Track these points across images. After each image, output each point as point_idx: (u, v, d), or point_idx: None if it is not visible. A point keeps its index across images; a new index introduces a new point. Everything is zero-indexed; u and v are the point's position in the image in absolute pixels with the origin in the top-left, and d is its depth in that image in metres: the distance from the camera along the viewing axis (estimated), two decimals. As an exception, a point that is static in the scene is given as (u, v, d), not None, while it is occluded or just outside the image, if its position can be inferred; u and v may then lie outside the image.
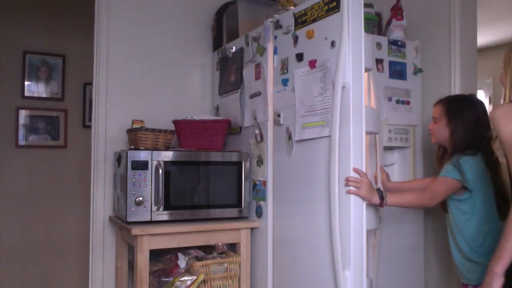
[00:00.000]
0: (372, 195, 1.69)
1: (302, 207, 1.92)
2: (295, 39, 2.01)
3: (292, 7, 2.17)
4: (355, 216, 1.65)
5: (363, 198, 1.68)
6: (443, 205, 1.92)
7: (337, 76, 1.70)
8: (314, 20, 1.89)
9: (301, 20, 1.98)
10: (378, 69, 2.30)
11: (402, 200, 1.82)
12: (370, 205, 1.74)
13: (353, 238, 1.64)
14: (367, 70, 1.82)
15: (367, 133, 1.79)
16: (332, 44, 1.77)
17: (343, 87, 1.69)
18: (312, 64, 1.86)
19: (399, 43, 2.38)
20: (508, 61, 1.56)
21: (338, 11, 1.75)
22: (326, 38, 1.81)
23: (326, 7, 1.82)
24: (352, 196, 1.65)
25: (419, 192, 1.87)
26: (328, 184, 1.73)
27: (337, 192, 1.68)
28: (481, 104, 1.96)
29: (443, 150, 2.00)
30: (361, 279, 1.66)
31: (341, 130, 1.69)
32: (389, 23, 2.45)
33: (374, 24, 2.48)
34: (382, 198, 1.73)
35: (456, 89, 2.31)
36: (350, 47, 1.69)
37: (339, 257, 1.65)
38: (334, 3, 1.77)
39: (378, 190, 1.74)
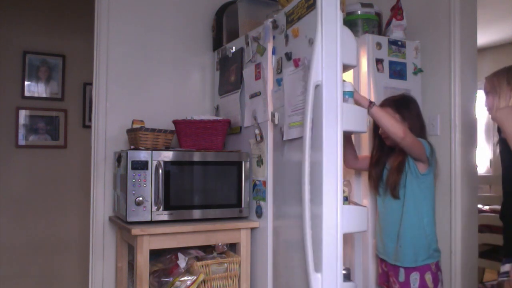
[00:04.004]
0: (359, 94, 1.94)
1: (293, 208, 1.91)
2: (286, 38, 2.00)
3: (291, 7, 2.17)
4: (327, 218, 1.60)
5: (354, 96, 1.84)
6: (396, 192, 2.02)
7: (310, 75, 1.66)
8: (299, 19, 1.88)
9: (290, 19, 1.97)
10: (378, 69, 2.30)
11: (386, 116, 1.92)
12: (355, 207, 1.73)
13: (325, 241, 1.59)
14: (348, 67, 1.77)
15: (349, 132, 1.76)
16: (310, 42, 1.75)
17: (317, 86, 1.65)
18: (296, 63, 1.86)
19: (399, 43, 2.38)
20: (497, 85, 1.87)
21: (315, 8, 1.72)
22: (306, 36, 1.79)
23: (306, 5, 1.80)
24: (324, 198, 1.60)
25: (400, 122, 1.98)
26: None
27: (307, 194, 1.64)
28: (410, 96, 2.21)
29: (380, 146, 2.11)
30: (334, 283, 1.60)
31: (315, 129, 1.64)
32: (389, 23, 2.45)
33: (374, 24, 2.48)
34: (371, 102, 1.91)
35: (456, 89, 2.31)
36: (323, 44, 1.64)
37: (309, 259, 1.60)
38: (312, 0, 1.74)
39: (370, 100, 1.94)
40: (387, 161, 2.09)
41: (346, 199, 1.93)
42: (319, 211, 1.61)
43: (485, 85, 1.97)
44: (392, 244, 2.04)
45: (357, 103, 1.89)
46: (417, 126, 2.08)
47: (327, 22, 1.65)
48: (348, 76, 2.37)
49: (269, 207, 2.17)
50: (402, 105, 2.11)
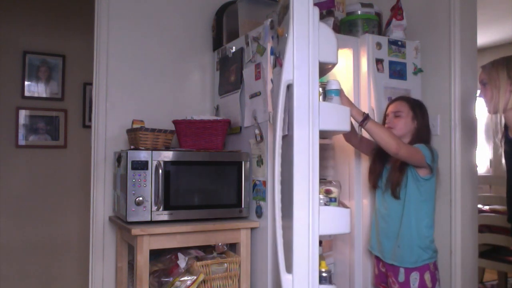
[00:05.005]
0: (353, 108, 1.90)
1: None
2: (278, 38, 1.99)
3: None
4: (298, 219, 1.55)
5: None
6: (396, 192, 2.02)
7: (281, 74, 1.62)
8: (283, 18, 1.87)
9: (279, 19, 1.97)
10: (378, 69, 2.31)
11: (379, 130, 1.92)
12: (333, 209, 1.71)
13: (295, 241, 1.55)
14: (327, 65, 1.71)
15: (328, 131, 1.73)
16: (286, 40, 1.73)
17: (289, 85, 1.60)
18: (279, 62, 1.85)
19: (399, 43, 2.38)
20: (497, 77, 1.84)
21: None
22: (286, 35, 1.78)
23: (286, 3, 1.78)
24: (294, 200, 1.56)
25: (393, 134, 1.97)
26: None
27: (277, 194, 1.62)
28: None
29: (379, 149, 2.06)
30: (306, 284, 1.55)
31: (289, 130, 1.61)
32: (389, 23, 2.45)
33: (374, 24, 2.48)
34: (365, 118, 1.90)
35: (456, 89, 2.31)
36: (294, 41, 1.59)
37: (280, 260, 1.57)
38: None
39: (365, 113, 1.92)
40: (389, 158, 2.09)
41: (334, 200, 1.91)
42: (289, 213, 1.58)
43: (481, 75, 1.93)
44: (390, 244, 2.05)
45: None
46: (424, 130, 2.10)
47: (299, 18, 1.60)
48: (348, 76, 2.38)
49: (269, 207, 2.17)
50: (418, 106, 2.13)
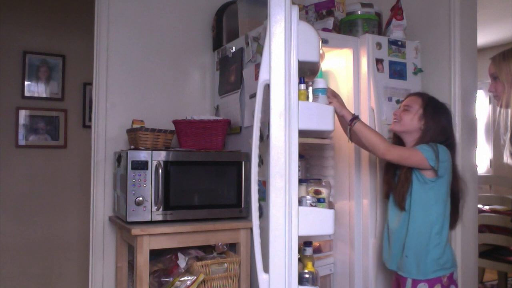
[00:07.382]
0: (343, 108, 1.89)
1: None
2: None
3: (292, 7, 2.16)
4: (273, 219, 1.53)
5: (335, 109, 1.78)
6: (403, 203, 1.91)
7: (260, 74, 1.56)
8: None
9: None
10: (378, 69, 2.31)
11: (368, 132, 1.89)
12: (313, 210, 1.69)
13: (271, 241, 1.52)
14: (308, 64, 1.65)
15: (310, 131, 1.72)
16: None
17: (266, 85, 1.55)
18: None
19: (399, 43, 2.38)
20: (508, 71, 1.75)
21: None
22: None
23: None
24: (271, 200, 1.54)
25: (383, 138, 1.91)
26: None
27: (254, 193, 1.60)
28: (450, 114, 2.01)
29: (397, 140, 2.03)
30: (282, 285, 1.52)
31: (269, 130, 1.55)
32: (389, 23, 2.45)
33: (374, 24, 2.48)
34: (354, 118, 1.88)
35: (456, 89, 2.31)
36: (270, 41, 1.54)
37: (258, 259, 1.54)
38: None
39: (355, 114, 1.90)
40: (399, 167, 1.96)
41: (323, 201, 1.89)
42: (266, 212, 1.57)
43: (491, 68, 1.85)
44: (399, 254, 1.94)
45: (340, 117, 1.89)
46: (435, 133, 1.92)
47: (275, 16, 1.55)
48: (348, 76, 2.38)
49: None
50: (433, 106, 1.97)
